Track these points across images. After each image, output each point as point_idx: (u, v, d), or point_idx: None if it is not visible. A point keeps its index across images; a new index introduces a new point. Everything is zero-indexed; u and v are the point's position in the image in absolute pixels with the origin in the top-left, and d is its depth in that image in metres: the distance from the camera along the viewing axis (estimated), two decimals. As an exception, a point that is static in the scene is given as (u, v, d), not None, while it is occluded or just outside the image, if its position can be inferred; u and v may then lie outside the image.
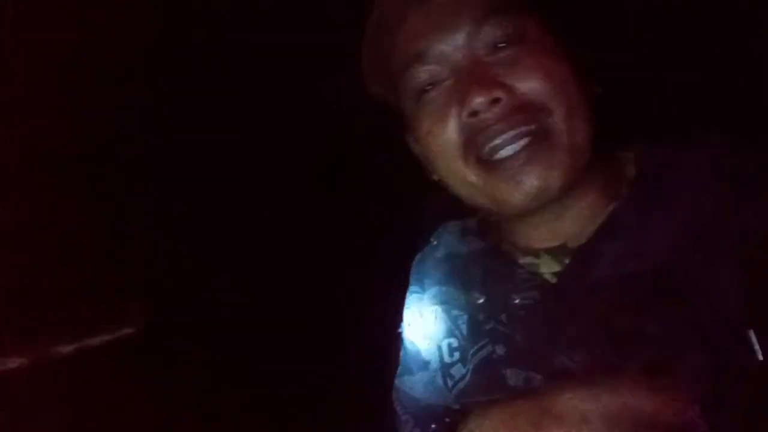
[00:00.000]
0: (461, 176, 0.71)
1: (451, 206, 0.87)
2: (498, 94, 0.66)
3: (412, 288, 0.89)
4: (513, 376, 0.71)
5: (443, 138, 0.70)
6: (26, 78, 1.87)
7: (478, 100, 0.66)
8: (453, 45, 0.68)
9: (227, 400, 1.93)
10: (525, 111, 0.66)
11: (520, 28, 0.68)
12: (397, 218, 1.87)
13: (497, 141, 0.67)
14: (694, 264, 0.64)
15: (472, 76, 0.67)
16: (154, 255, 2.08)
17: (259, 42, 2.13)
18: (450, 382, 0.79)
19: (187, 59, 2.10)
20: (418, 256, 0.91)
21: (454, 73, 0.69)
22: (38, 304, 1.73)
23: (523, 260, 0.77)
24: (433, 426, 0.81)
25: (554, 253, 0.74)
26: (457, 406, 0.79)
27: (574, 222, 0.73)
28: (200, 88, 2.13)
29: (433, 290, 0.83)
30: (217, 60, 2.15)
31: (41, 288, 1.76)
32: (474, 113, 0.67)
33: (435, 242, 0.88)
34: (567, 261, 0.73)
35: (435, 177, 0.79)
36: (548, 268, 0.74)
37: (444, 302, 0.81)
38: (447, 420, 0.80)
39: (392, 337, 0.90)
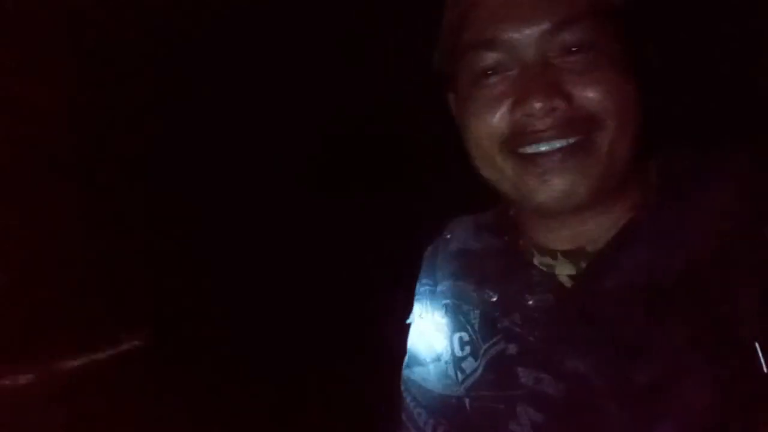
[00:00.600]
0: (494, 163, 0.71)
1: (462, 200, 0.87)
2: (558, 104, 0.65)
3: (423, 281, 0.89)
4: (525, 375, 0.71)
5: (489, 125, 0.70)
6: (26, 78, 1.86)
7: (537, 105, 0.65)
8: (526, 39, 0.67)
9: (232, 402, 1.92)
10: (578, 122, 0.66)
11: (595, 36, 0.67)
12: (405, 212, 1.87)
13: (542, 148, 0.67)
14: (712, 277, 0.63)
15: (538, 76, 0.66)
16: (156, 259, 2.07)
17: (259, 40, 2.13)
18: (460, 376, 0.79)
19: (188, 58, 2.10)
20: (429, 249, 0.90)
21: (520, 66, 0.68)
22: (40, 309, 1.72)
23: (540, 260, 0.76)
24: (444, 416, 0.82)
25: (572, 256, 0.74)
26: (465, 399, 0.79)
27: (596, 227, 0.72)
28: (201, 88, 2.12)
29: (444, 284, 0.83)
30: (217, 59, 2.14)
31: (42, 292, 1.74)
32: (529, 115, 0.66)
33: (448, 236, 0.87)
34: (584, 265, 0.72)
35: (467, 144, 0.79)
36: (564, 271, 0.74)
37: (455, 297, 0.81)
38: (456, 411, 0.80)
39: (401, 330, 0.90)
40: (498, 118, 0.69)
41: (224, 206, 2.13)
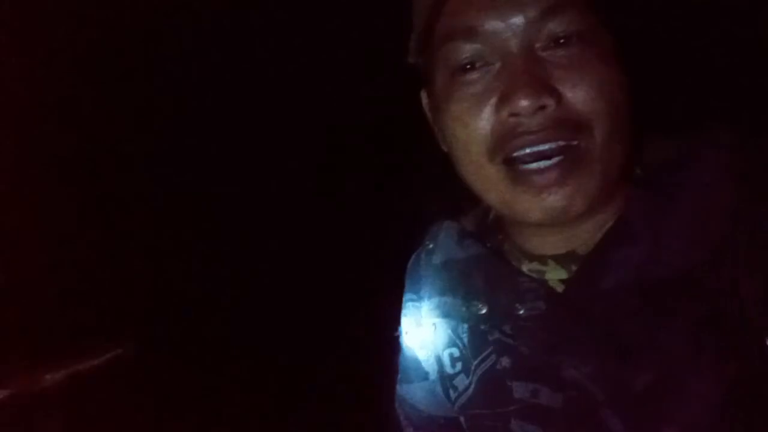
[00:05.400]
0: (482, 172, 0.65)
1: (446, 203, 0.83)
2: (547, 101, 0.59)
3: (408, 295, 0.85)
4: (519, 389, 0.68)
5: (473, 128, 0.63)
6: (26, 78, 1.86)
7: (524, 104, 0.59)
8: (510, 29, 0.61)
9: (225, 409, 1.90)
10: (567, 125, 0.60)
11: (584, 26, 0.61)
12: (392, 216, 1.84)
13: (529, 151, 0.61)
14: (711, 269, 0.60)
15: (524, 71, 0.60)
16: (156, 259, 2.06)
17: (261, 40, 2.12)
18: (453, 394, 0.76)
19: (190, 58, 2.09)
20: (412, 259, 0.86)
21: (503, 59, 0.62)
22: (30, 312, 1.70)
23: (528, 266, 0.73)
24: None
25: (562, 259, 0.70)
26: (461, 418, 0.76)
27: (587, 229, 0.68)
28: (202, 87, 2.11)
29: (431, 299, 0.79)
30: (218, 59, 2.14)
31: (34, 297, 1.73)
32: (515, 114, 0.61)
33: (430, 245, 0.83)
34: (575, 268, 0.68)
35: (445, 149, 0.74)
36: (555, 276, 0.70)
37: (443, 312, 0.78)
38: (448, 431, 0.78)
39: (391, 342, 0.88)
40: (483, 121, 0.63)
41: (225, 206, 2.11)
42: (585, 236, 0.68)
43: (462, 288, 0.76)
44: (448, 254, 0.80)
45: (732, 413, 0.57)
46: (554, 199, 0.61)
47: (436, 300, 0.79)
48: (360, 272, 1.94)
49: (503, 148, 0.63)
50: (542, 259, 0.71)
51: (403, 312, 0.85)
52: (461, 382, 0.75)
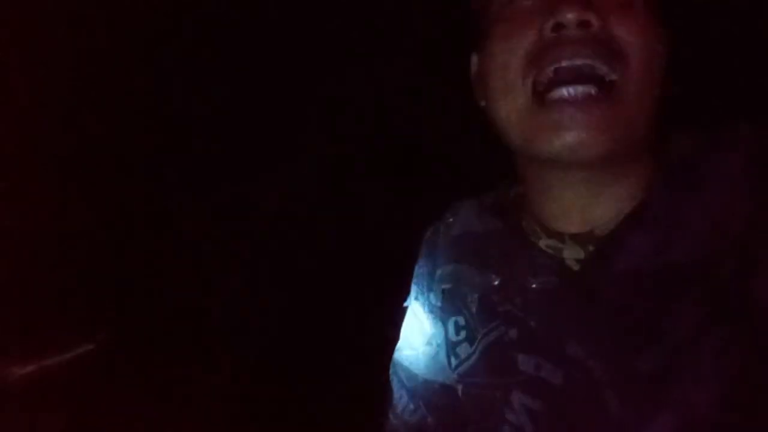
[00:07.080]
0: (511, 96, 0.67)
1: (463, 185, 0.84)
2: (592, 17, 0.62)
3: (421, 262, 0.86)
4: (524, 361, 0.69)
5: (514, 42, 0.67)
6: (27, 78, 1.86)
7: (569, 15, 0.62)
8: None
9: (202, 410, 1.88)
10: (606, 48, 0.63)
11: None
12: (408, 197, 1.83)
13: (566, 63, 0.63)
14: (727, 260, 0.61)
15: None
16: (160, 258, 2.06)
17: (265, 36, 2.13)
18: (454, 361, 0.77)
19: (191, 56, 2.10)
20: (430, 231, 0.88)
21: None
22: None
23: (546, 243, 0.73)
24: (425, 401, 0.81)
25: (580, 239, 0.70)
26: (458, 385, 0.77)
27: (607, 208, 0.69)
28: (204, 86, 2.12)
29: (444, 268, 0.81)
30: (221, 57, 2.14)
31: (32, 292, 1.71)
32: (558, 26, 0.63)
33: (450, 218, 0.84)
34: (592, 249, 0.69)
35: (482, 103, 0.75)
36: (572, 255, 0.70)
37: (455, 280, 0.79)
38: (442, 397, 0.79)
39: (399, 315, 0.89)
40: (527, 39, 0.66)
41: (229, 205, 2.11)
42: (605, 217, 0.69)
43: (477, 259, 0.77)
44: (466, 227, 0.82)
45: (732, 405, 0.58)
46: (577, 131, 0.62)
47: (449, 268, 0.80)
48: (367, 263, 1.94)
49: (541, 60, 0.65)
50: (560, 237, 0.72)
51: (414, 279, 0.86)
52: (464, 350, 0.76)
